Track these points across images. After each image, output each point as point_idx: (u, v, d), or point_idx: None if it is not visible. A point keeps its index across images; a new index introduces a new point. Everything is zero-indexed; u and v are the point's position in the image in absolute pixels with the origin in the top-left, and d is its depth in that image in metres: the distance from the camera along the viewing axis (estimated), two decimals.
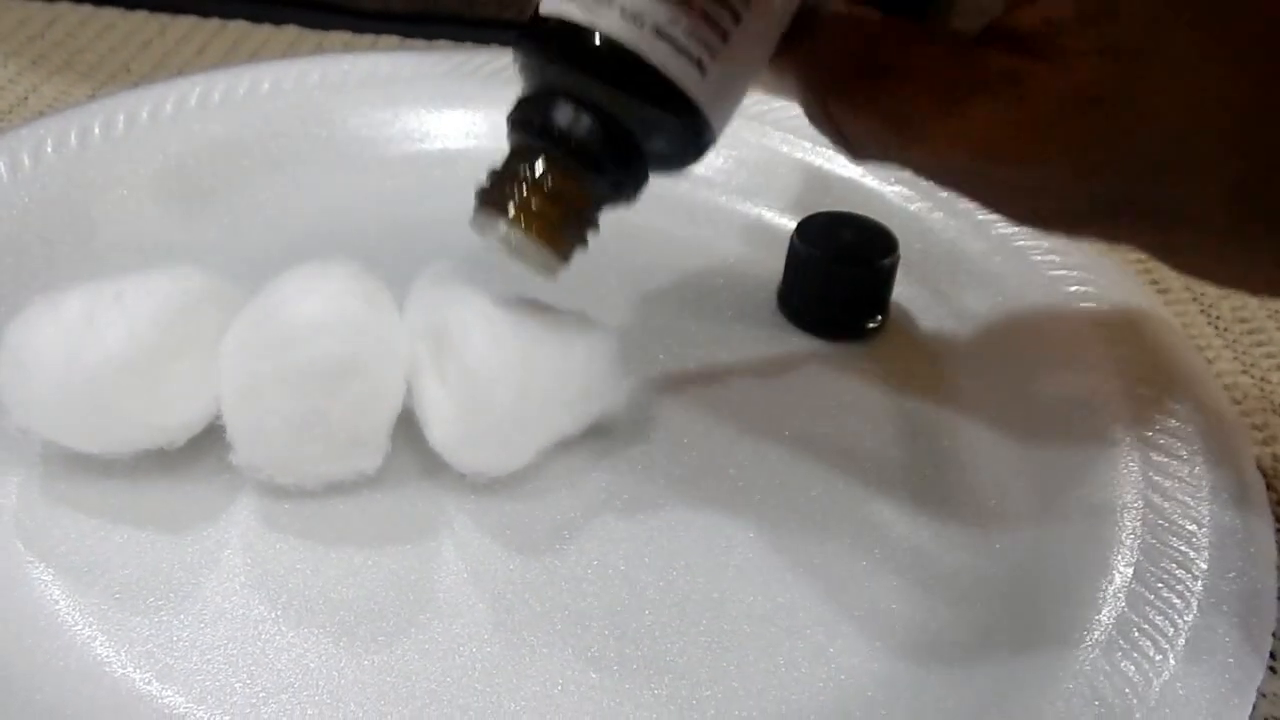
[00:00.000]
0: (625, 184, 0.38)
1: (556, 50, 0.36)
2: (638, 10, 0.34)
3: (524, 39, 0.36)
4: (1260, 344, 0.52)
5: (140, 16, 0.71)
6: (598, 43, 0.34)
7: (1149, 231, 0.34)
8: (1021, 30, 0.32)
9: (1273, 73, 0.30)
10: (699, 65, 0.34)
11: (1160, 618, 0.35)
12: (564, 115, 0.36)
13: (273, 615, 0.36)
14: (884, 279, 0.49)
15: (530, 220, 0.37)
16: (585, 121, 0.36)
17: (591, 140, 0.36)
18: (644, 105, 0.35)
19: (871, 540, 0.40)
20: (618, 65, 0.34)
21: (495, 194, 0.37)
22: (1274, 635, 0.36)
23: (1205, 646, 0.34)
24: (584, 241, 0.38)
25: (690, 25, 0.34)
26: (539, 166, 0.36)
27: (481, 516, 0.40)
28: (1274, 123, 0.31)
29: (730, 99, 0.36)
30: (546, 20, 0.35)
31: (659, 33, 0.34)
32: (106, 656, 0.35)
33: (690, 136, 0.36)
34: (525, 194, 0.37)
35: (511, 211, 0.37)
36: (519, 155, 0.37)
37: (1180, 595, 0.36)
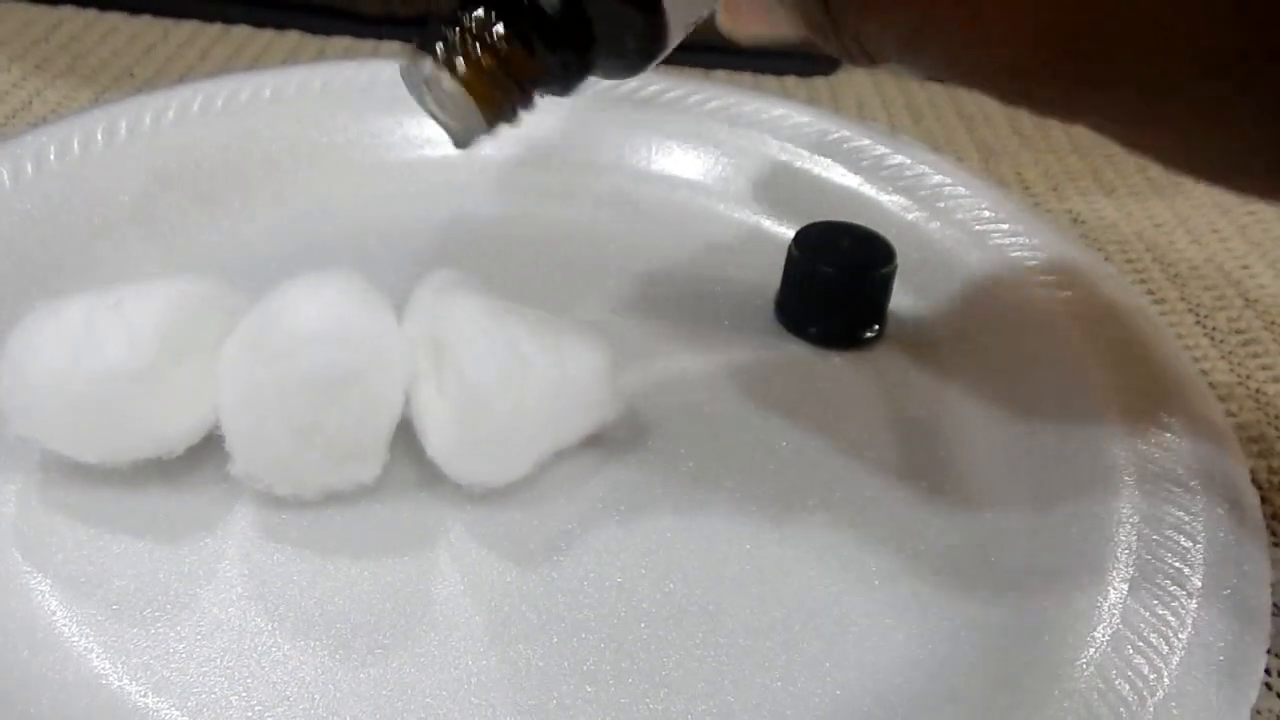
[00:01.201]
0: (570, 67, 0.37)
1: None
2: None
3: None
4: (1255, 355, 0.52)
5: (143, 21, 0.71)
6: None
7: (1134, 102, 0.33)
8: None
9: None
10: None
11: (1155, 635, 0.35)
12: None
13: (270, 626, 0.36)
14: (881, 288, 0.49)
15: (466, 68, 0.35)
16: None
17: (552, 8, 0.35)
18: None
19: (868, 552, 0.40)
20: None
21: (435, 33, 0.36)
22: (1269, 651, 0.36)
23: (1200, 663, 0.34)
24: (513, 113, 0.37)
25: None
26: (490, 15, 0.35)
27: (479, 527, 0.40)
28: None
29: (690, 10, 0.35)
30: None
31: None
32: (103, 668, 0.35)
33: (645, 39, 0.35)
34: (469, 41, 0.35)
35: (447, 53, 0.35)
36: (472, 2, 0.36)
37: (1175, 612, 0.36)
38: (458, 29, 0.36)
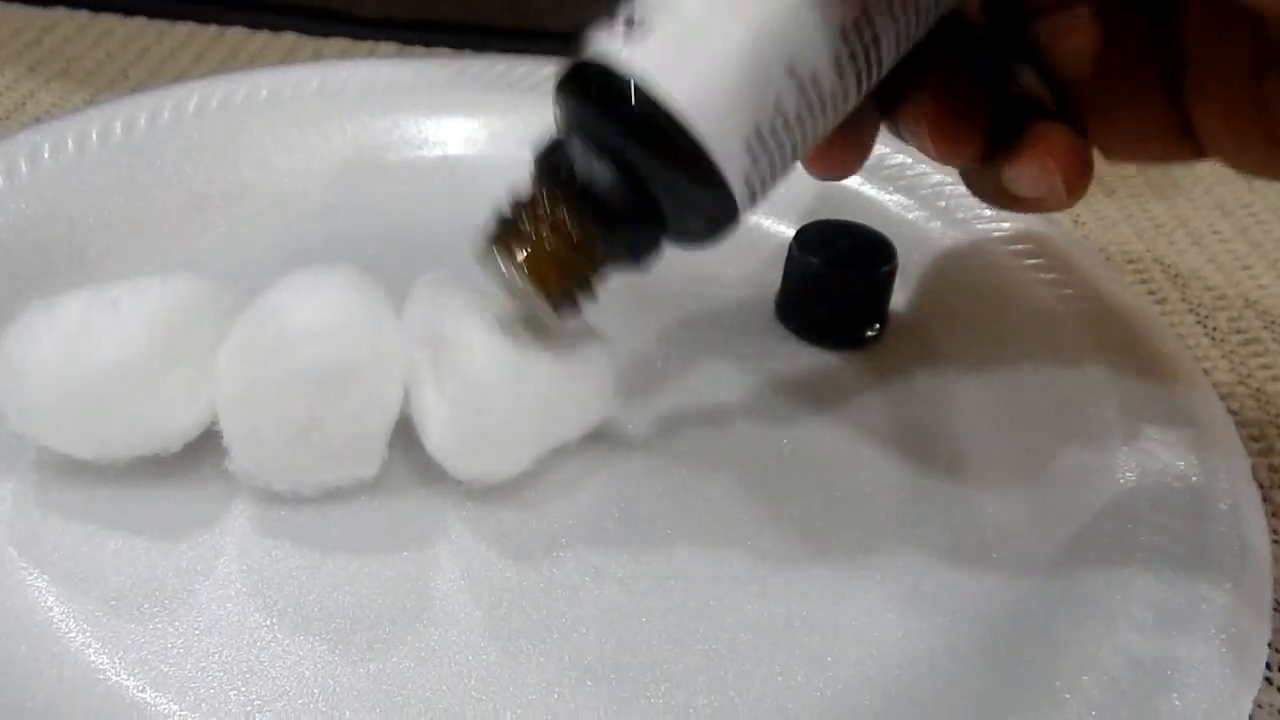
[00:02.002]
0: (639, 249, 0.37)
1: (593, 95, 0.34)
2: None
3: (565, 79, 0.35)
4: (1257, 354, 0.52)
5: (138, 23, 0.71)
6: (635, 98, 0.33)
7: None
8: None
9: None
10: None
11: (1156, 627, 0.35)
12: (590, 164, 0.35)
13: (268, 623, 0.36)
14: (882, 287, 0.49)
15: (540, 275, 0.36)
16: (610, 175, 0.34)
17: (615, 195, 0.35)
18: (685, 181, 0.34)
19: (869, 549, 0.40)
20: (655, 125, 0.33)
21: (504, 233, 0.36)
22: (1270, 647, 0.36)
23: (1200, 656, 0.34)
24: (581, 300, 0.37)
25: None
26: (557, 212, 0.35)
27: (478, 524, 0.40)
28: None
29: (768, 185, 0.35)
30: (588, 63, 0.34)
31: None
32: (100, 664, 0.34)
33: (717, 215, 0.35)
34: (535, 239, 0.35)
35: (518, 255, 0.36)
36: (537, 197, 0.36)
37: (1176, 605, 0.36)
38: (528, 224, 0.36)
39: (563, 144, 0.35)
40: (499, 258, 0.36)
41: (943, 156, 0.38)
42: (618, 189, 0.34)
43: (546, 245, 0.35)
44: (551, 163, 0.35)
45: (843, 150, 0.40)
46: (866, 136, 0.40)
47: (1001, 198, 0.39)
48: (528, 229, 0.36)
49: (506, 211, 0.36)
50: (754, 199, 0.35)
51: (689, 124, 0.32)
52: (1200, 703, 0.33)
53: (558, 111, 0.35)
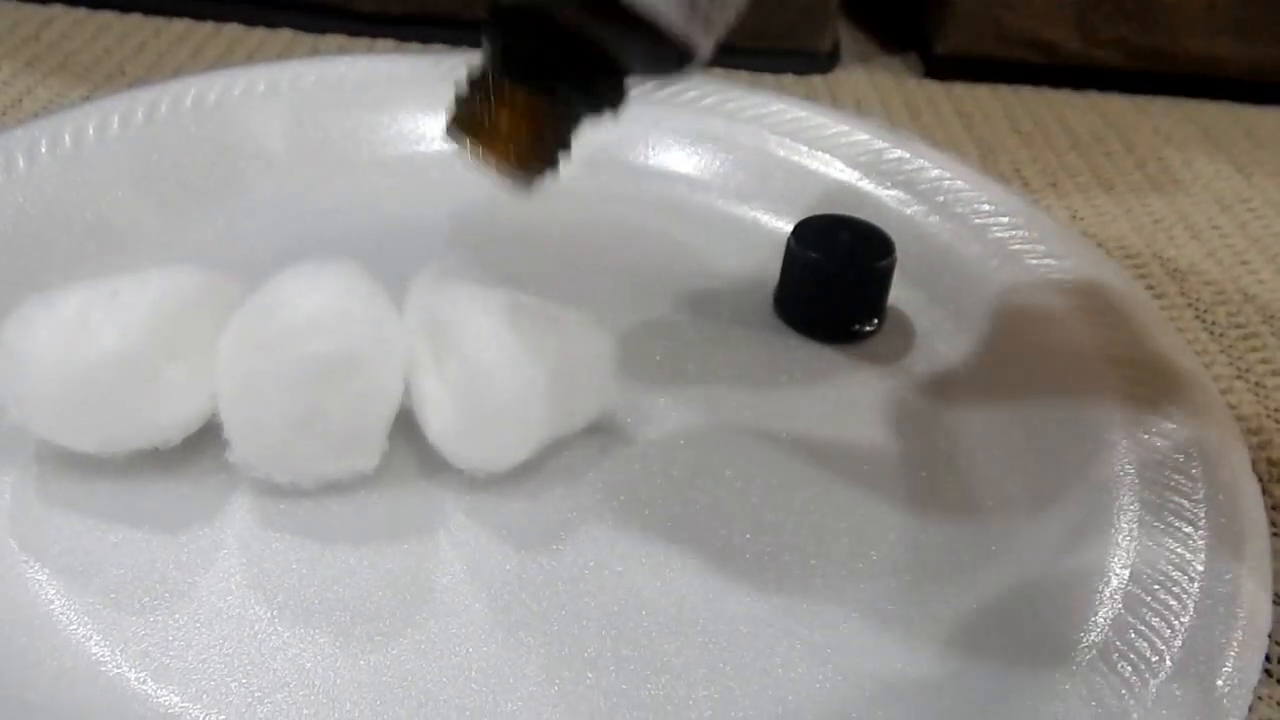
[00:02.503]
0: (599, 102, 0.36)
1: None
2: None
3: None
4: (1255, 349, 0.52)
5: (135, 19, 0.71)
6: None
7: None
8: None
9: None
10: None
11: (1157, 619, 0.35)
12: (529, 29, 0.34)
13: (269, 614, 0.36)
14: (880, 282, 0.49)
15: (496, 141, 0.35)
16: (552, 36, 0.34)
17: (558, 56, 0.34)
18: (617, 29, 0.33)
19: (868, 541, 0.40)
20: None
21: (464, 111, 0.36)
22: (1270, 638, 0.36)
23: (1202, 649, 0.34)
24: (553, 163, 0.37)
25: None
26: (504, 85, 0.35)
27: (479, 516, 0.40)
28: None
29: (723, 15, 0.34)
30: None
31: None
32: (101, 656, 0.34)
33: (670, 58, 0.34)
34: (492, 113, 0.35)
35: (477, 131, 0.36)
36: (487, 70, 0.36)
37: (1176, 597, 0.36)
38: (482, 99, 0.36)
39: (498, 10, 0.35)
40: (457, 138, 0.36)
41: None
42: (549, 46, 0.34)
43: (494, 119, 0.35)
44: (488, 30, 0.36)
45: None
46: None
47: None
48: (479, 105, 0.36)
49: (463, 90, 0.36)
50: (707, 22, 0.34)
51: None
52: (1200, 692, 0.33)
53: None
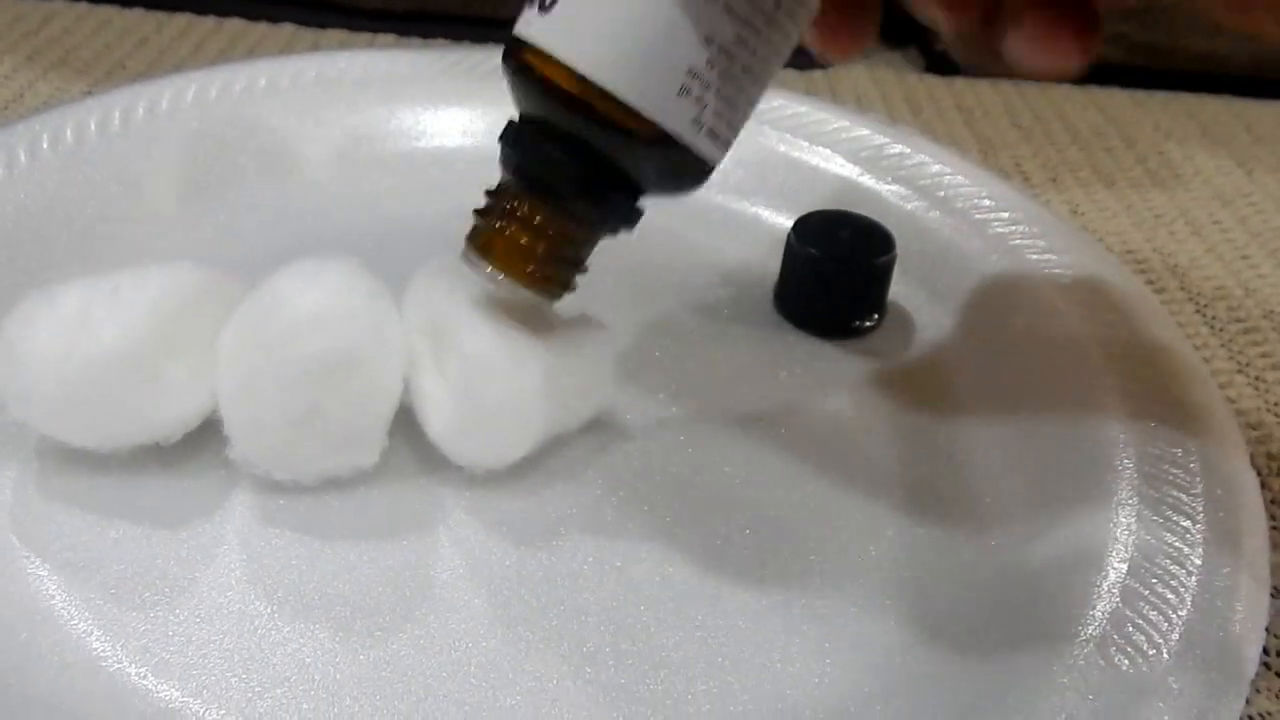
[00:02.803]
0: (612, 220, 0.36)
1: (528, 79, 0.33)
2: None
3: (505, 59, 0.34)
4: (1255, 344, 0.52)
5: (136, 14, 0.71)
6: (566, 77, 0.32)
7: None
8: None
9: None
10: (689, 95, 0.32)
11: (1155, 613, 0.35)
12: (540, 152, 0.34)
13: (269, 610, 0.36)
14: (880, 277, 0.49)
15: (512, 265, 0.36)
16: (560, 158, 0.34)
17: (569, 179, 0.35)
18: (626, 144, 0.33)
19: (867, 536, 0.40)
20: (590, 102, 0.32)
21: (480, 232, 0.36)
22: (1268, 631, 0.36)
23: (1199, 642, 0.34)
24: (568, 283, 0.37)
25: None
26: (521, 201, 0.35)
27: (479, 512, 0.40)
28: None
29: (733, 123, 0.34)
30: (521, 42, 0.33)
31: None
32: (102, 651, 0.34)
33: (684, 170, 0.35)
34: (507, 235, 0.36)
35: (494, 252, 0.36)
36: (501, 192, 0.36)
37: (1174, 591, 0.36)
38: (498, 221, 0.36)
39: (515, 127, 0.35)
40: (470, 254, 0.36)
41: (950, 23, 0.36)
42: (564, 165, 0.34)
43: (509, 234, 0.36)
44: (505, 148, 0.36)
45: (847, 29, 0.38)
46: (868, 12, 0.38)
47: (1001, 63, 0.37)
48: (494, 220, 0.36)
49: (480, 205, 0.37)
50: (714, 135, 0.34)
51: (602, 86, 0.32)
52: (1197, 685, 0.33)
53: (513, 95, 0.35)
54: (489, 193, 0.37)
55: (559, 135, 0.34)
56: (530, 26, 0.33)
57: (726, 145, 0.35)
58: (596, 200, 0.35)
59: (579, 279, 0.38)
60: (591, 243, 0.37)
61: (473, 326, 0.38)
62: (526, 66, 0.33)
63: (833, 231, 0.49)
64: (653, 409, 0.44)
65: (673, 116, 0.32)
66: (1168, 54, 0.75)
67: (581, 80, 0.32)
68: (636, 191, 0.36)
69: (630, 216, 0.37)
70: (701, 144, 0.34)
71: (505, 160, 0.36)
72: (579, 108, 0.33)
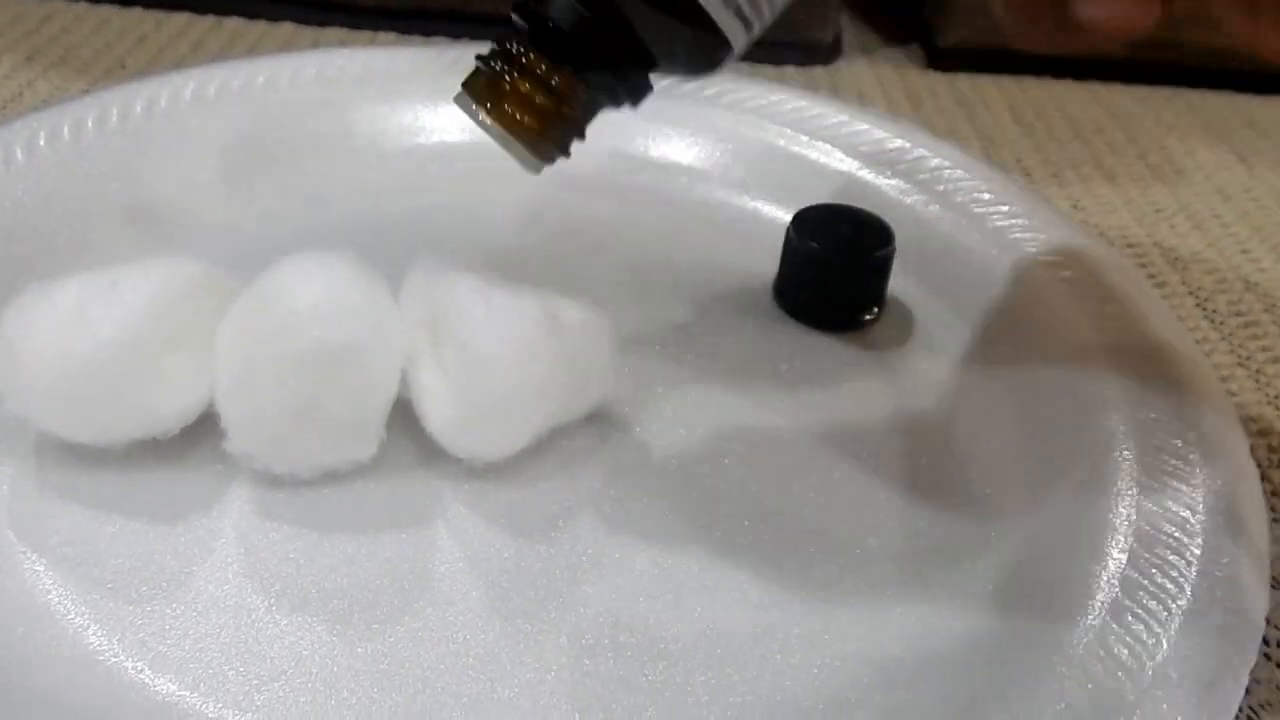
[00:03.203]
0: (623, 90, 0.36)
1: None
2: None
3: None
4: (1256, 337, 0.52)
5: (136, 12, 0.71)
6: None
7: None
8: None
9: None
10: None
11: (1154, 602, 0.35)
12: (568, 7, 0.34)
13: (267, 603, 0.36)
14: (880, 271, 0.49)
15: (512, 109, 0.35)
16: (579, 10, 0.33)
17: (593, 38, 0.34)
18: (657, 14, 0.33)
19: (867, 529, 0.40)
20: None
21: (480, 79, 0.35)
22: (1268, 623, 0.36)
23: (1198, 630, 0.34)
24: (564, 146, 0.36)
25: None
26: (531, 56, 0.35)
27: (477, 504, 0.40)
28: None
29: (760, 10, 0.33)
30: None
31: None
32: (99, 645, 0.34)
33: (702, 44, 0.34)
34: (508, 83, 0.35)
35: (494, 97, 0.35)
36: (510, 41, 0.35)
37: (1174, 580, 0.36)
38: (501, 69, 0.35)
39: None
40: (466, 99, 0.36)
41: None
42: (582, 19, 0.34)
43: (511, 82, 0.35)
44: (524, 4, 0.35)
45: None
46: None
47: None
48: (499, 72, 0.35)
49: (484, 55, 0.36)
50: (741, 16, 0.33)
51: None
52: (1196, 673, 0.33)
53: None
54: (497, 38, 0.36)
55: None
56: None
57: (749, 30, 0.34)
58: (608, 61, 0.35)
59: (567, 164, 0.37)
60: (594, 107, 0.36)
61: (471, 319, 0.38)
62: None
63: (832, 225, 0.49)
64: (652, 401, 0.44)
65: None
66: (1169, 49, 0.75)
67: None
68: (650, 63, 0.35)
69: (638, 89, 0.36)
70: (727, 20, 0.33)
71: (519, 7, 0.35)
72: None
